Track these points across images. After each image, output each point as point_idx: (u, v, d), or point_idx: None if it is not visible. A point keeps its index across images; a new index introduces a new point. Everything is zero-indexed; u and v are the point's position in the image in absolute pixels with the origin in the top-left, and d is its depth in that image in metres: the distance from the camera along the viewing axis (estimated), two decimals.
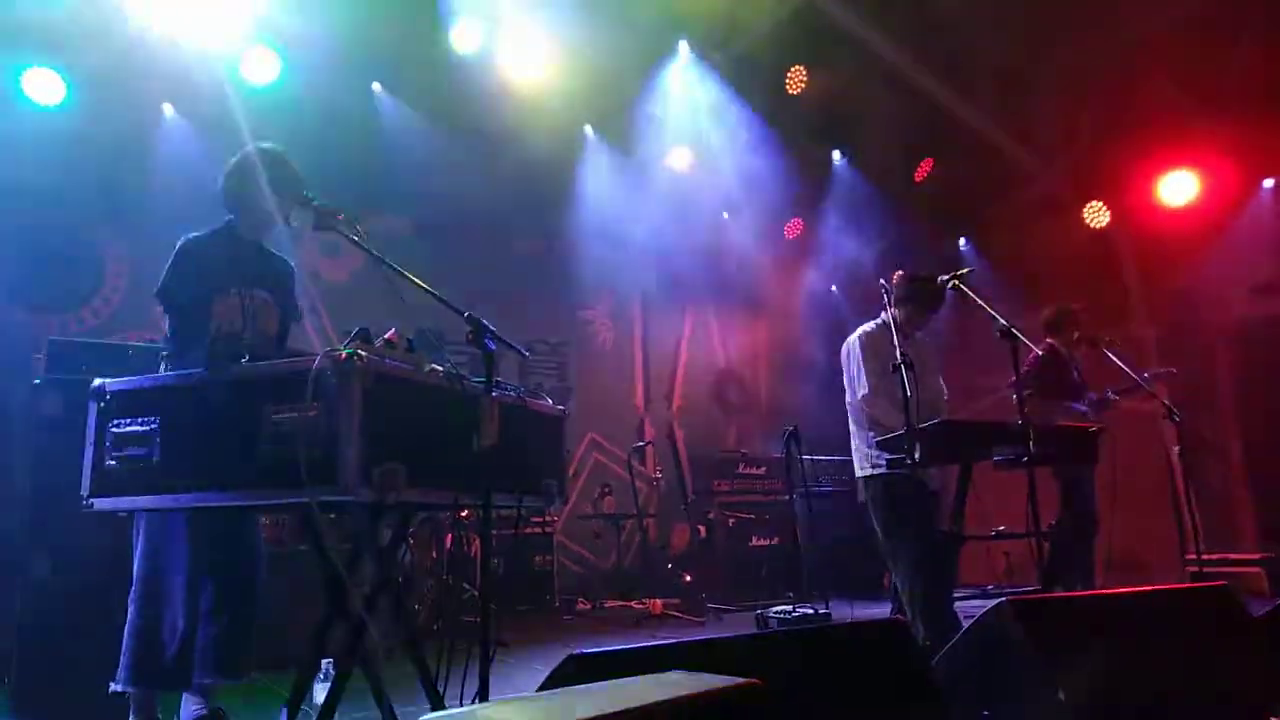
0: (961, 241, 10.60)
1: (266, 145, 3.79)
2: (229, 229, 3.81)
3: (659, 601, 7.90)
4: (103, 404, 2.89)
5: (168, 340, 3.66)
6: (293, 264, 4.12)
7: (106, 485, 2.84)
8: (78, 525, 4.83)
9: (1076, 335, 6.82)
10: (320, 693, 3.50)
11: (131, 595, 3.55)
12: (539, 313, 10.53)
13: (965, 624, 3.13)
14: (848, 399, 5.30)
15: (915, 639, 2.91)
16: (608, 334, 11.37)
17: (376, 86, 8.49)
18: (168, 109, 8.16)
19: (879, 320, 5.25)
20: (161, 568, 3.52)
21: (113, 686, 3.50)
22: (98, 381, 2.93)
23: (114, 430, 2.84)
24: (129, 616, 3.53)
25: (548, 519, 8.79)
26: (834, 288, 11.92)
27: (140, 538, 3.59)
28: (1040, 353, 5.06)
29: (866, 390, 5.06)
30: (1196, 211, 8.76)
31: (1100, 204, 9.28)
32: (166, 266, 3.63)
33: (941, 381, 5.44)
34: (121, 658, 3.48)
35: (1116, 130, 8.65)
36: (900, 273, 5.28)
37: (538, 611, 8.31)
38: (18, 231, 7.74)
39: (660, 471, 10.16)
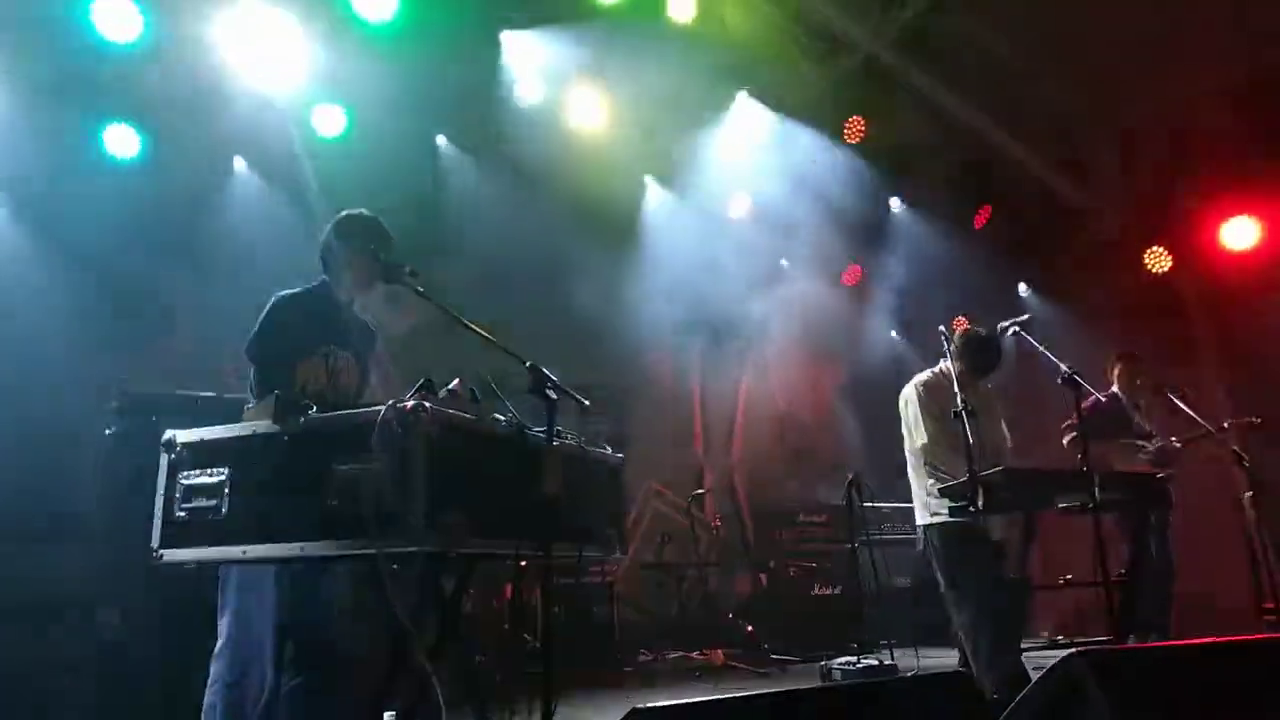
0: (1022, 287, 10.47)
1: (362, 212, 3.90)
2: (324, 288, 3.88)
3: (721, 652, 7.81)
4: (173, 455, 2.94)
5: (251, 394, 3.75)
6: (374, 328, 4.20)
7: (175, 536, 2.89)
8: (148, 576, 4.93)
9: (1139, 381, 6.70)
10: None
11: (216, 651, 3.55)
12: (598, 359, 10.56)
13: (1033, 676, 3.06)
14: (906, 447, 5.24)
15: (981, 692, 2.85)
16: (667, 381, 11.36)
17: (441, 139, 8.67)
18: (238, 162, 8.41)
19: (937, 368, 5.21)
20: (249, 625, 3.51)
21: None
22: (169, 433, 2.99)
23: (184, 481, 2.89)
24: (213, 673, 3.52)
25: (608, 568, 8.75)
26: (894, 333, 11.84)
27: (229, 593, 3.58)
28: (1097, 398, 4.99)
29: (925, 439, 5.01)
30: (1260, 255, 8.59)
31: (1162, 249, 9.14)
32: (258, 321, 3.67)
33: (1005, 429, 5.37)
34: (204, 713, 3.49)
35: (1177, 175, 8.54)
36: (962, 322, 5.25)
37: (598, 662, 8.24)
38: (95, 281, 7.98)
39: (720, 519, 10.08)
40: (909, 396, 5.22)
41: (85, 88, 7.24)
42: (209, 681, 3.54)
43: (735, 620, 9.24)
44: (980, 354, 5.14)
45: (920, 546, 5.16)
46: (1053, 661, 2.92)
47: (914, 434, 5.14)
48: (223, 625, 3.59)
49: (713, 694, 2.40)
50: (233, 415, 3.79)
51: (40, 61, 7.00)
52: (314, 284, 3.89)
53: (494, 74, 7.91)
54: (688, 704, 2.27)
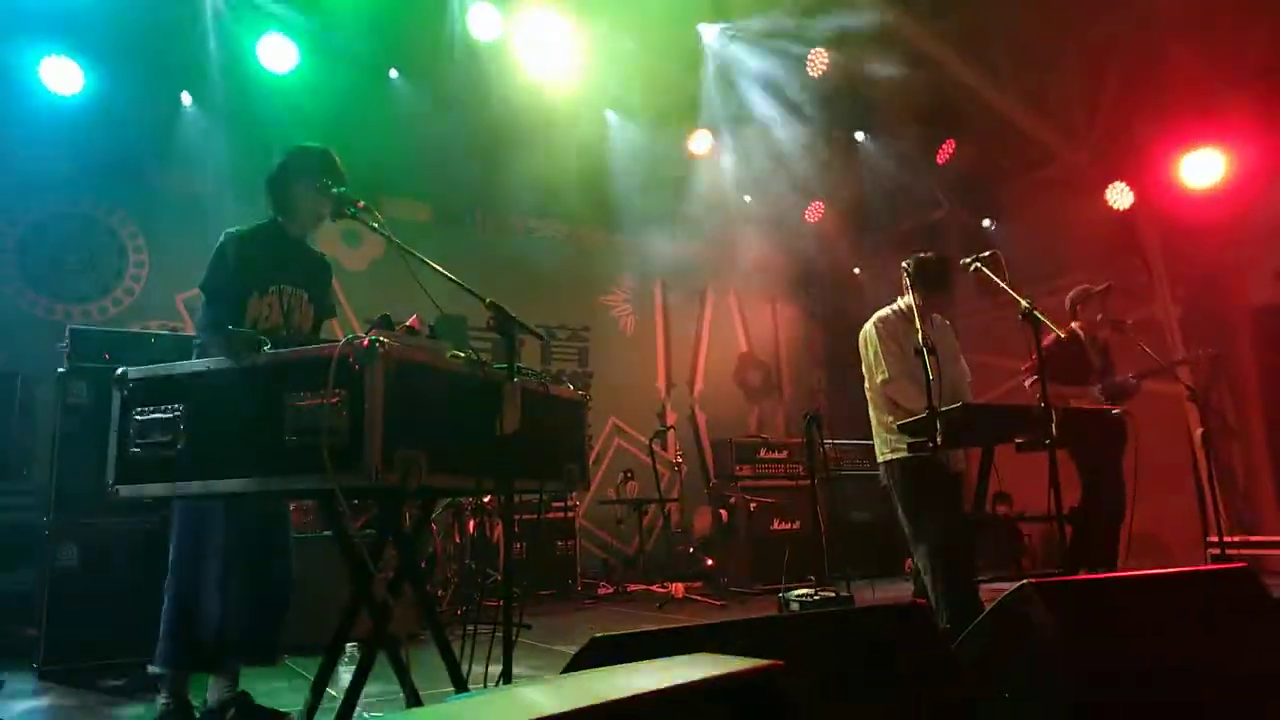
0: (986, 222, 10.50)
1: (313, 145, 3.80)
2: (274, 225, 3.84)
3: (681, 585, 7.92)
4: (126, 392, 2.91)
5: (200, 331, 3.70)
6: (328, 261, 4.14)
7: (130, 472, 2.87)
8: (103, 511, 4.97)
9: (1100, 317, 6.76)
10: (345, 676, 3.54)
11: (167, 581, 3.61)
12: (559, 298, 10.55)
13: (987, 607, 3.12)
14: (866, 384, 5.29)
15: (936, 622, 2.91)
16: (629, 319, 11.37)
17: (393, 73, 8.50)
18: (186, 98, 8.20)
19: (896, 306, 5.24)
20: (198, 554, 3.57)
21: (150, 668, 3.59)
22: (121, 370, 2.95)
23: (137, 418, 2.86)
24: (165, 601, 3.59)
25: (570, 504, 8.83)
26: (857, 270, 11.88)
27: (176, 524, 3.66)
28: (1058, 336, 5.04)
29: (887, 375, 5.05)
30: (1221, 192, 8.65)
31: (1123, 184, 9.18)
32: (210, 260, 3.65)
33: (964, 364, 5.42)
34: (159, 641, 3.56)
35: (1140, 109, 8.56)
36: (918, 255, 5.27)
37: (560, 596, 8.36)
38: (39, 222, 7.84)
39: (682, 456, 10.16)
40: (868, 334, 5.25)
41: (19, 18, 6.99)
42: (162, 608, 3.59)
43: (695, 554, 9.36)
44: (935, 276, 5.18)
45: (883, 481, 5.22)
46: (1005, 593, 2.99)
47: (874, 371, 5.18)
48: (172, 556, 3.64)
49: (672, 624, 2.42)
50: (186, 352, 3.78)
51: None
52: (264, 221, 3.84)
53: (448, 6, 7.71)
54: (647, 632, 2.30)
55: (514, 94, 8.41)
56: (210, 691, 3.67)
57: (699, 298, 11.99)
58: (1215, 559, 6.99)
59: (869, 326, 5.27)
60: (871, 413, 5.28)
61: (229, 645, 3.55)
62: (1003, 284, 4.97)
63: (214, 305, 3.64)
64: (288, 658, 4.75)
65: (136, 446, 2.84)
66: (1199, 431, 6.80)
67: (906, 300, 5.15)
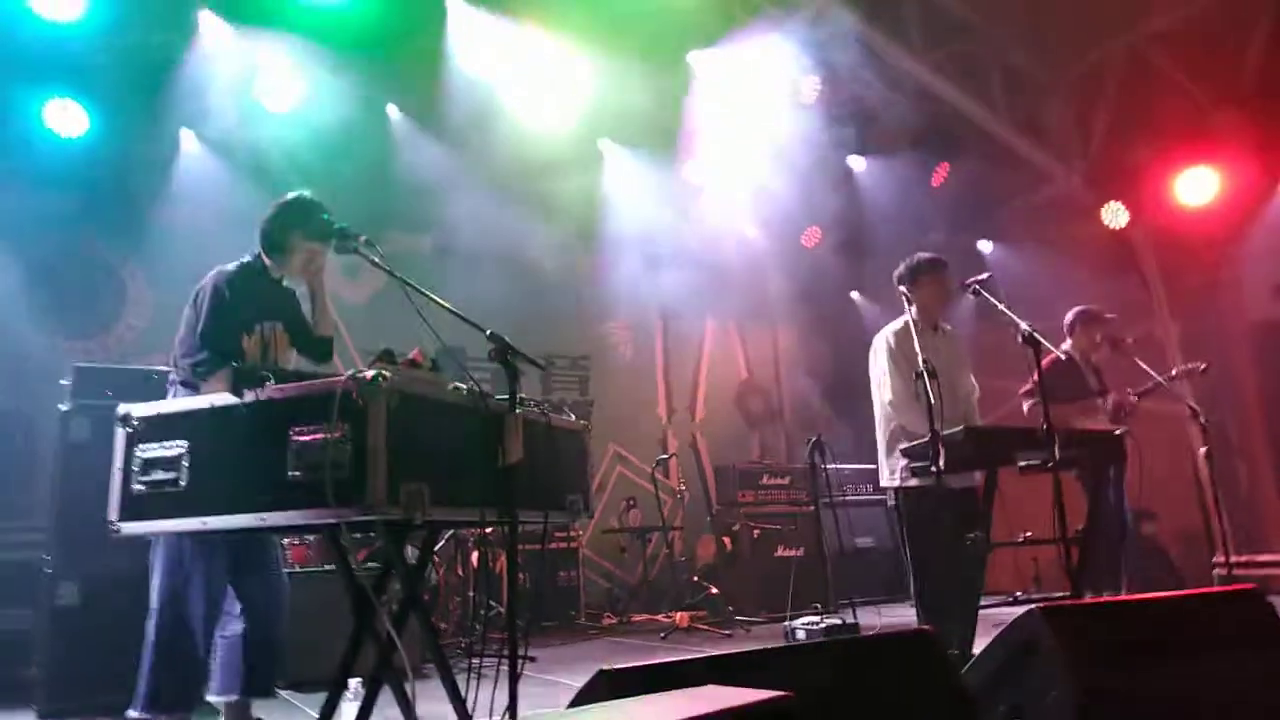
0: (982, 244, 10.52)
1: (305, 194, 3.91)
2: (257, 264, 3.93)
3: (685, 614, 7.87)
4: (130, 429, 2.91)
5: (190, 367, 3.70)
6: (293, 289, 4.21)
7: (133, 509, 2.87)
8: (105, 550, 4.95)
9: (1099, 338, 6.76)
10: (349, 711, 3.52)
11: (151, 621, 3.60)
12: (559, 327, 10.55)
13: (993, 632, 3.11)
14: (874, 399, 5.28)
15: (943, 648, 2.89)
16: (628, 347, 11.37)
17: (392, 109, 8.55)
18: (186, 136, 8.26)
19: (905, 319, 5.25)
20: (181, 592, 3.56)
21: (129, 713, 3.54)
22: (124, 407, 2.95)
23: (140, 455, 2.86)
24: (147, 641, 3.57)
25: (572, 534, 8.80)
26: (854, 294, 11.88)
27: (158, 562, 3.63)
28: (1055, 357, 5.04)
29: (891, 395, 5.06)
30: (1216, 210, 8.69)
31: (1119, 204, 9.21)
32: (204, 308, 3.71)
33: (973, 379, 5.42)
34: (139, 683, 3.53)
35: (1134, 128, 8.60)
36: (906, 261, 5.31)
37: (564, 627, 8.31)
38: (42, 259, 7.88)
39: (684, 484, 10.13)
40: (878, 346, 5.25)
41: (27, 63, 7.07)
42: (145, 649, 3.57)
43: (699, 583, 9.32)
44: (929, 272, 5.21)
45: (890, 503, 5.22)
46: (1011, 618, 2.97)
47: (881, 388, 5.18)
48: (154, 594, 3.62)
49: (678, 655, 2.40)
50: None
51: None
52: (248, 258, 3.93)
53: (441, 42, 7.77)
54: (655, 665, 2.28)
55: (512, 125, 8.47)
56: None
57: (699, 324, 11.99)
58: (1223, 580, 6.97)
59: (879, 337, 5.27)
60: (878, 431, 5.28)
61: (219, 681, 3.54)
62: (1001, 305, 4.99)
63: (211, 342, 3.66)
64: (289, 693, 4.73)
65: (139, 484, 2.84)
66: (1203, 450, 6.78)
67: (909, 316, 5.18)
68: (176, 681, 3.50)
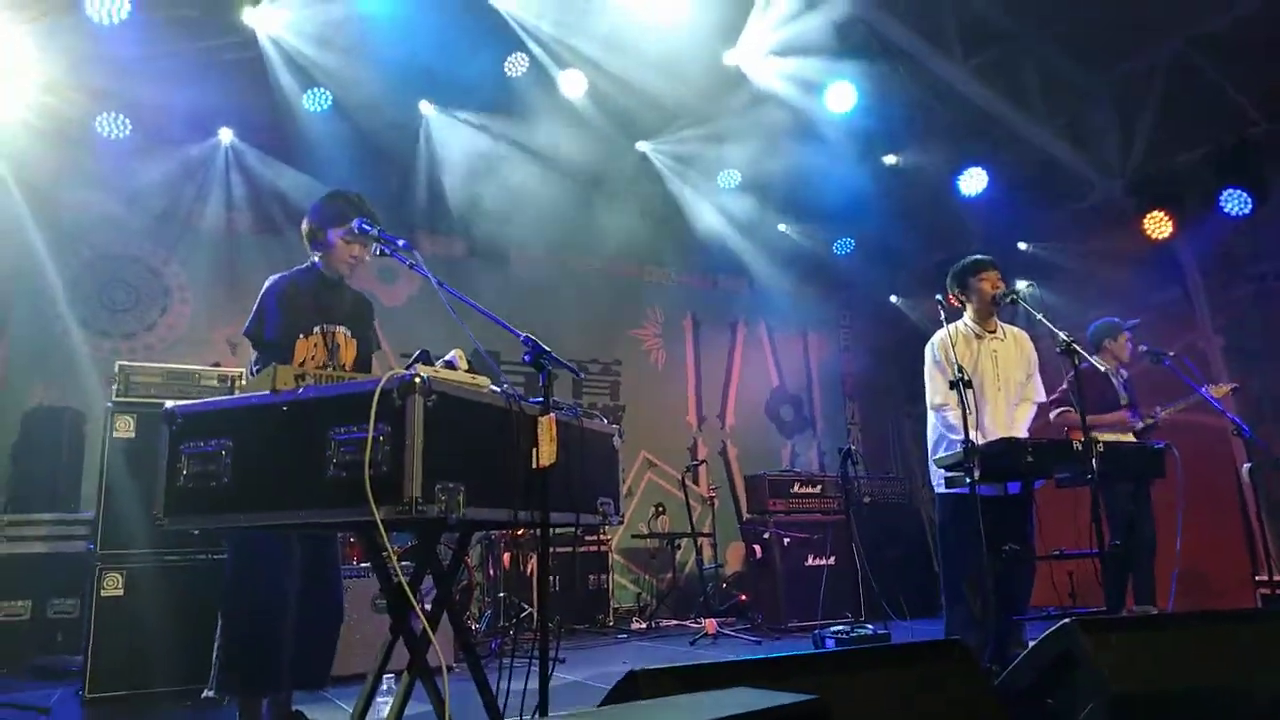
0: (1020, 249, 10.40)
1: (345, 191, 4.00)
2: (312, 269, 4.01)
3: (714, 621, 7.87)
4: (174, 426, 2.96)
5: (249, 375, 3.85)
6: (368, 299, 4.32)
7: (177, 505, 2.91)
8: (149, 541, 5.09)
9: (1129, 350, 6.69)
10: (383, 707, 3.55)
11: (223, 608, 3.71)
12: (591, 332, 10.59)
13: (1028, 644, 3.09)
14: (927, 394, 5.24)
15: (976, 660, 2.88)
16: (659, 352, 11.38)
17: (426, 106, 8.58)
18: (225, 135, 8.39)
19: (961, 322, 5.24)
20: (254, 579, 3.65)
21: (205, 693, 3.66)
22: (169, 404, 3.01)
23: (185, 452, 2.91)
24: (220, 626, 3.68)
25: (602, 537, 8.83)
26: (893, 298, 11.80)
27: (230, 552, 3.75)
28: (1080, 369, 4.96)
29: (939, 398, 5.03)
30: (1261, 221, 8.55)
31: (1161, 213, 9.09)
32: (254, 307, 3.83)
33: (1037, 383, 5.35)
34: (216, 665, 3.63)
35: (1177, 137, 8.50)
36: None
37: (593, 630, 8.33)
38: (88, 261, 8.08)
39: (714, 490, 10.12)
40: (934, 341, 5.21)
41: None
42: (218, 633, 3.68)
43: (729, 590, 9.31)
44: (978, 273, 5.19)
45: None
46: (1047, 631, 2.95)
47: (930, 387, 5.15)
48: (227, 585, 3.74)
49: (709, 658, 2.41)
50: (230, 388, 3.87)
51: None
52: (303, 265, 4.03)
53: (480, 41, 7.76)
54: (685, 666, 2.29)
55: (547, 129, 8.51)
56: (265, 714, 3.74)
57: (730, 331, 12.00)
58: (1265, 599, 6.86)
59: (939, 333, 5.22)
60: (928, 430, 5.27)
61: (285, 668, 3.62)
62: (1039, 315, 4.96)
63: (263, 348, 3.80)
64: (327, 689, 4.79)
65: (183, 479, 2.89)
66: (1246, 465, 6.67)
67: (968, 317, 5.18)
68: (250, 664, 3.59)
